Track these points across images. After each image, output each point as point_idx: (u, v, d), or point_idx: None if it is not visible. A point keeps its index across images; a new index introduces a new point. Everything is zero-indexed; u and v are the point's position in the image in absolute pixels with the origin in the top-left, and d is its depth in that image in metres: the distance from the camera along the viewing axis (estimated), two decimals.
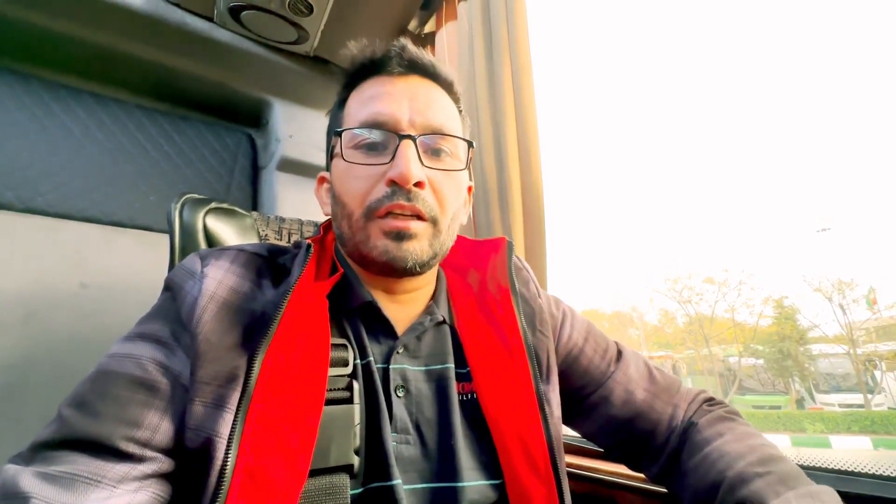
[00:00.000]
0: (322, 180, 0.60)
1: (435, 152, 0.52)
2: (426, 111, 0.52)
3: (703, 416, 0.57)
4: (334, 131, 0.53)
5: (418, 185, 0.48)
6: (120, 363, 0.43)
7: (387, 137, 0.50)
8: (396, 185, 0.48)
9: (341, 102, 0.57)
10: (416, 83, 0.54)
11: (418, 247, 0.49)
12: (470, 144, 0.56)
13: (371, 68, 0.55)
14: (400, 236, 0.48)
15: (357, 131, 0.51)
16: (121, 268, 1.24)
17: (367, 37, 0.56)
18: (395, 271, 0.50)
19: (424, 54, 0.55)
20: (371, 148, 0.50)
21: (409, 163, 0.48)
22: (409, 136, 0.49)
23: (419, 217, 0.49)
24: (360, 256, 0.51)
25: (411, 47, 0.54)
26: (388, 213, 0.48)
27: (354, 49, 0.56)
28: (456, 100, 0.58)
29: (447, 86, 0.56)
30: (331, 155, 0.56)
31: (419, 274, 0.52)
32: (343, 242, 0.54)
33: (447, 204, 0.52)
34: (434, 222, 0.50)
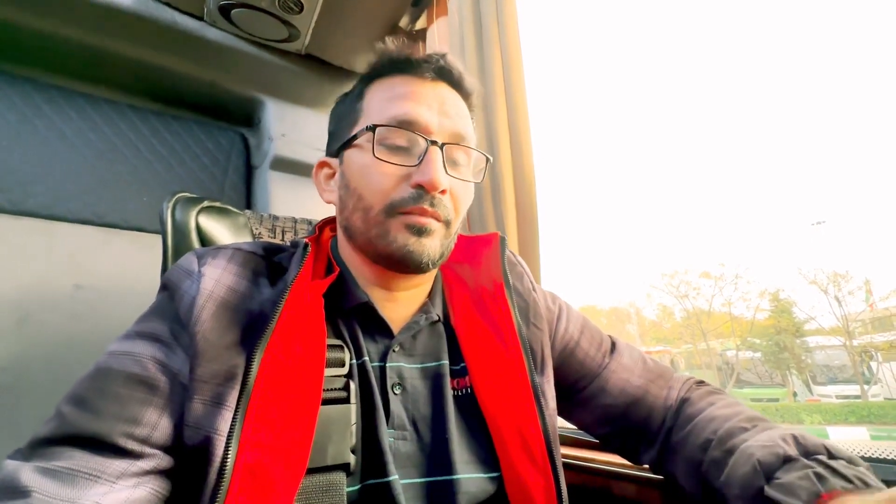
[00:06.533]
0: (323, 165, 0.60)
1: (455, 161, 0.54)
2: (453, 120, 0.53)
3: (695, 392, 0.60)
4: (366, 127, 0.51)
5: (441, 192, 0.50)
6: (119, 361, 0.43)
7: (413, 140, 0.51)
8: (423, 189, 0.49)
9: (360, 92, 0.56)
10: (445, 90, 0.54)
11: (433, 244, 0.50)
12: (488, 160, 0.58)
13: (403, 66, 0.54)
14: (420, 231, 0.49)
15: (388, 129, 0.51)
16: (115, 269, 1.24)
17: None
18: (409, 266, 0.51)
19: (457, 64, 0.56)
20: (397, 148, 0.51)
21: (438, 171, 0.49)
22: (435, 143, 0.50)
23: (437, 218, 0.51)
24: (373, 250, 0.52)
25: (450, 57, 0.55)
26: (410, 213, 0.49)
27: (391, 44, 0.56)
28: (471, 109, 0.59)
29: (467, 96, 0.57)
30: (346, 143, 0.55)
31: (426, 271, 0.53)
32: (352, 234, 0.54)
33: (461, 210, 0.54)
34: (447, 224, 0.52)
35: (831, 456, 0.42)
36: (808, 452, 0.43)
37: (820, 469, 0.40)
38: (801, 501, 0.38)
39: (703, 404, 0.56)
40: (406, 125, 0.50)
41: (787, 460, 0.42)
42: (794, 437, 0.44)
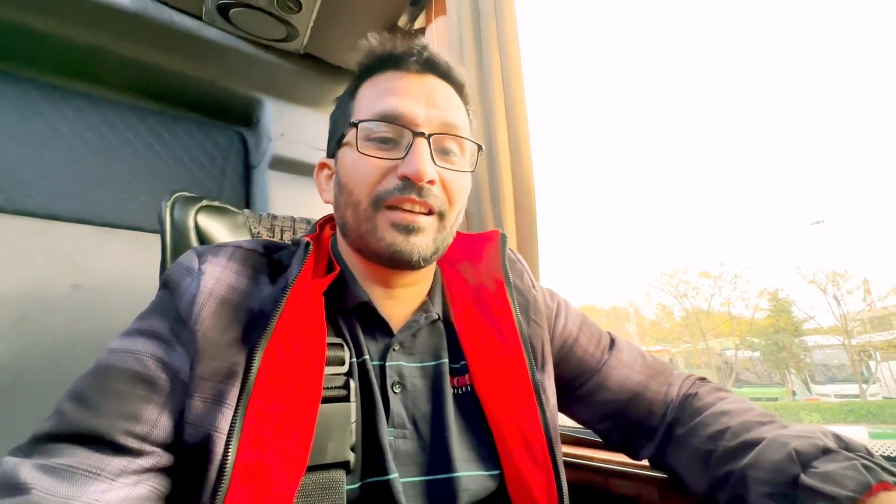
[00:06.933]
0: (323, 166, 0.60)
1: (445, 152, 0.53)
2: (441, 110, 0.52)
3: (701, 388, 0.60)
4: (350, 123, 0.52)
5: (429, 182, 0.49)
6: (119, 358, 0.43)
7: (400, 133, 0.51)
8: (409, 181, 0.48)
9: (352, 92, 0.57)
10: (432, 82, 0.54)
11: (424, 241, 0.50)
12: (480, 148, 0.57)
13: (389, 62, 0.54)
14: (408, 229, 0.49)
15: (372, 124, 0.51)
16: (113, 269, 1.24)
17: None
18: (399, 264, 0.51)
19: (442, 55, 0.55)
20: (384, 141, 0.51)
21: (423, 161, 0.48)
22: (422, 134, 0.50)
23: (428, 212, 0.50)
24: (364, 247, 0.52)
25: (432, 48, 0.55)
26: (397, 206, 0.49)
27: (374, 41, 0.56)
28: (466, 101, 0.58)
29: (459, 87, 0.57)
30: (338, 143, 0.55)
31: (420, 268, 0.53)
32: (346, 232, 0.54)
33: (456, 200, 0.53)
34: (441, 216, 0.51)
35: (872, 455, 0.41)
36: (849, 448, 0.42)
37: (867, 462, 0.39)
38: (846, 491, 0.37)
39: (712, 399, 0.56)
40: (389, 118, 0.50)
41: (826, 451, 0.42)
42: (835, 434, 0.43)
